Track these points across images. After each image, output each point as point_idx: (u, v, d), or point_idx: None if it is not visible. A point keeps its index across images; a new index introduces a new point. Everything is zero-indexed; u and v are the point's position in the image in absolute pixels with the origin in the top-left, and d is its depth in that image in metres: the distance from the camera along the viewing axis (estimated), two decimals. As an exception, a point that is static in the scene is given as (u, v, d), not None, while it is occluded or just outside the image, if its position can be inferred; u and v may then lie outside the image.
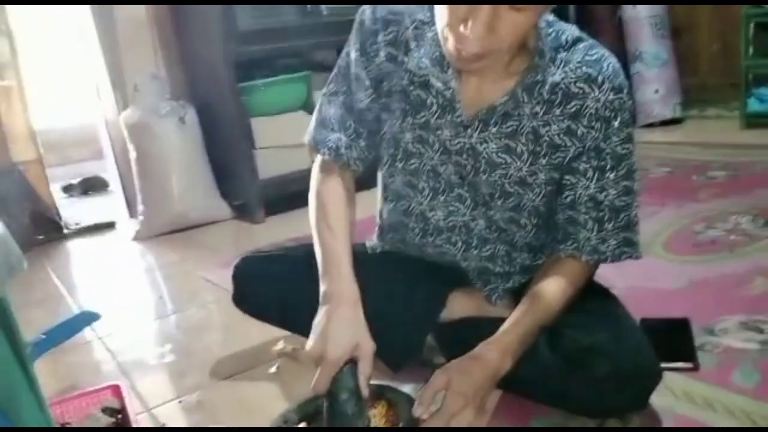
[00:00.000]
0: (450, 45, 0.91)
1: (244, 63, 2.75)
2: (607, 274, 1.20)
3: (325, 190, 1.14)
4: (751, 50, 3.29)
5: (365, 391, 0.97)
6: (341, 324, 0.99)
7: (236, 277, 1.29)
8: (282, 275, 1.23)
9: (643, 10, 3.52)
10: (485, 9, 0.83)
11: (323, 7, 2.84)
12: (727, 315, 1.36)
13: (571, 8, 3.53)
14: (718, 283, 1.55)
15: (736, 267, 1.62)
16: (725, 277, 1.58)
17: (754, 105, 3.26)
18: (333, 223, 1.09)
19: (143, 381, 1.46)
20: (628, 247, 1.07)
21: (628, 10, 3.58)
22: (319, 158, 1.17)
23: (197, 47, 2.84)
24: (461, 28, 0.86)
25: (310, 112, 3.10)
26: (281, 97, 2.85)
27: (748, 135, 3.16)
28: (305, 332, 1.02)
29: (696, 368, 1.17)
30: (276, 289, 1.23)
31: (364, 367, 0.98)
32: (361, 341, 0.98)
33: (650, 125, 3.55)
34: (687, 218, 2.06)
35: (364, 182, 1.25)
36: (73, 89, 4.48)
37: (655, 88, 3.55)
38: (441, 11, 0.90)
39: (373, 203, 1.28)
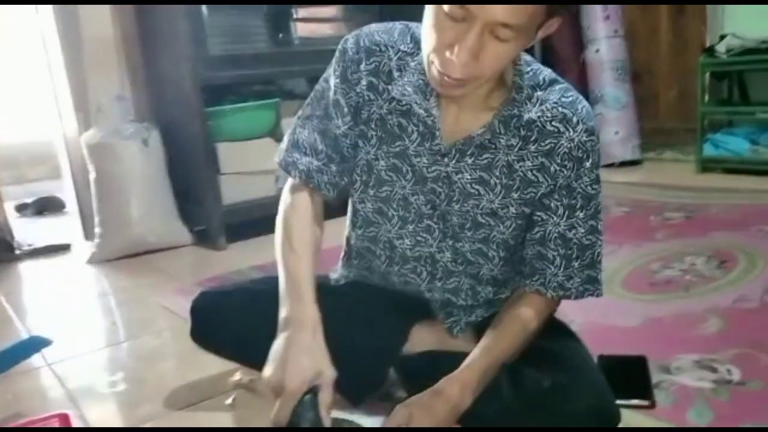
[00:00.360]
0: (434, 69, 0.93)
1: (212, 87, 2.74)
2: (567, 311, 1.21)
3: (292, 212, 1.13)
4: (706, 98, 3.43)
5: (327, 421, 0.95)
6: (301, 351, 0.97)
7: (195, 313, 1.25)
8: (243, 311, 1.19)
9: (605, 54, 3.64)
10: (472, 36, 0.85)
11: (295, 36, 2.86)
12: (682, 354, 1.39)
13: (537, 49, 3.62)
14: (674, 322, 1.58)
15: (692, 306, 1.66)
16: (681, 316, 1.61)
17: (709, 150, 3.38)
18: (297, 246, 1.09)
19: (93, 410, 1.41)
20: (591, 285, 1.09)
21: (591, 54, 3.69)
22: (290, 181, 1.16)
23: (165, 69, 2.82)
24: (447, 54, 0.89)
25: (278, 140, 3.11)
26: (249, 123, 2.84)
27: (703, 179, 3.27)
28: (263, 367, 0.99)
29: (652, 406, 1.19)
30: (237, 326, 1.19)
31: (325, 396, 0.96)
32: (323, 369, 0.96)
33: (610, 165, 3.64)
34: (644, 257, 2.10)
35: (335, 210, 1.25)
36: (32, 105, 4.39)
37: (616, 129, 3.66)
38: (429, 36, 0.92)
39: (342, 232, 1.27)
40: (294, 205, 1.14)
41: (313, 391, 0.95)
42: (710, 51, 3.36)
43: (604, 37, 3.63)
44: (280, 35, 2.84)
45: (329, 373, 0.97)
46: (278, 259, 1.10)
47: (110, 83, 2.91)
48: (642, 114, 3.81)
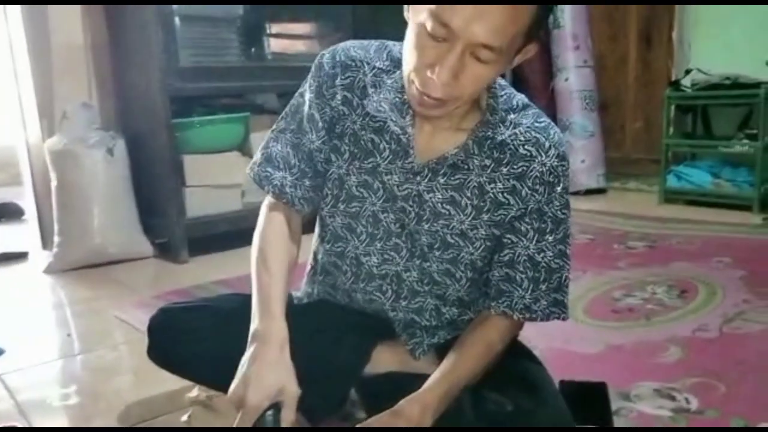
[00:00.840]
0: (414, 89, 0.93)
1: (181, 99, 2.71)
2: (530, 336, 1.21)
3: (269, 229, 1.12)
4: (671, 130, 3.51)
5: None
6: (265, 366, 0.95)
7: (152, 331, 1.20)
8: (202, 330, 1.15)
9: (574, 83, 3.72)
10: (453, 57, 0.86)
11: (267, 51, 2.85)
12: (642, 381, 1.40)
13: (508, 75, 3.67)
14: (634, 350, 1.59)
15: (652, 335, 1.68)
16: (641, 344, 1.63)
17: (672, 181, 3.46)
18: (271, 265, 1.08)
19: (44, 423, 1.36)
20: (557, 308, 1.09)
21: (561, 82, 3.76)
22: (268, 197, 1.15)
23: (134, 79, 2.78)
24: (428, 73, 0.89)
25: (246, 154, 3.09)
26: (217, 136, 2.81)
27: (666, 209, 3.34)
28: (226, 389, 0.97)
29: (612, 433, 1.19)
30: (195, 345, 1.15)
31: (287, 414, 0.94)
32: (286, 385, 0.95)
33: (576, 193, 3.70)
34: (607, 285, 2.12)
35: (312, 225, 1.23)
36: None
37: (582, 158, 3.72)
38: (410, 55, 0.92)
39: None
40: (271, 222, 1.13)
41: (276, 407, 0.93)
42: (676, 84, 3.46)
43: (573, 66, 3.71)
44: (253, 50, 2.83)
45: (293, 390, 0.95)
46: (252, 277, 1.09)
47: (77, 90, 2.86)
48: (608, 143, 3.90)
